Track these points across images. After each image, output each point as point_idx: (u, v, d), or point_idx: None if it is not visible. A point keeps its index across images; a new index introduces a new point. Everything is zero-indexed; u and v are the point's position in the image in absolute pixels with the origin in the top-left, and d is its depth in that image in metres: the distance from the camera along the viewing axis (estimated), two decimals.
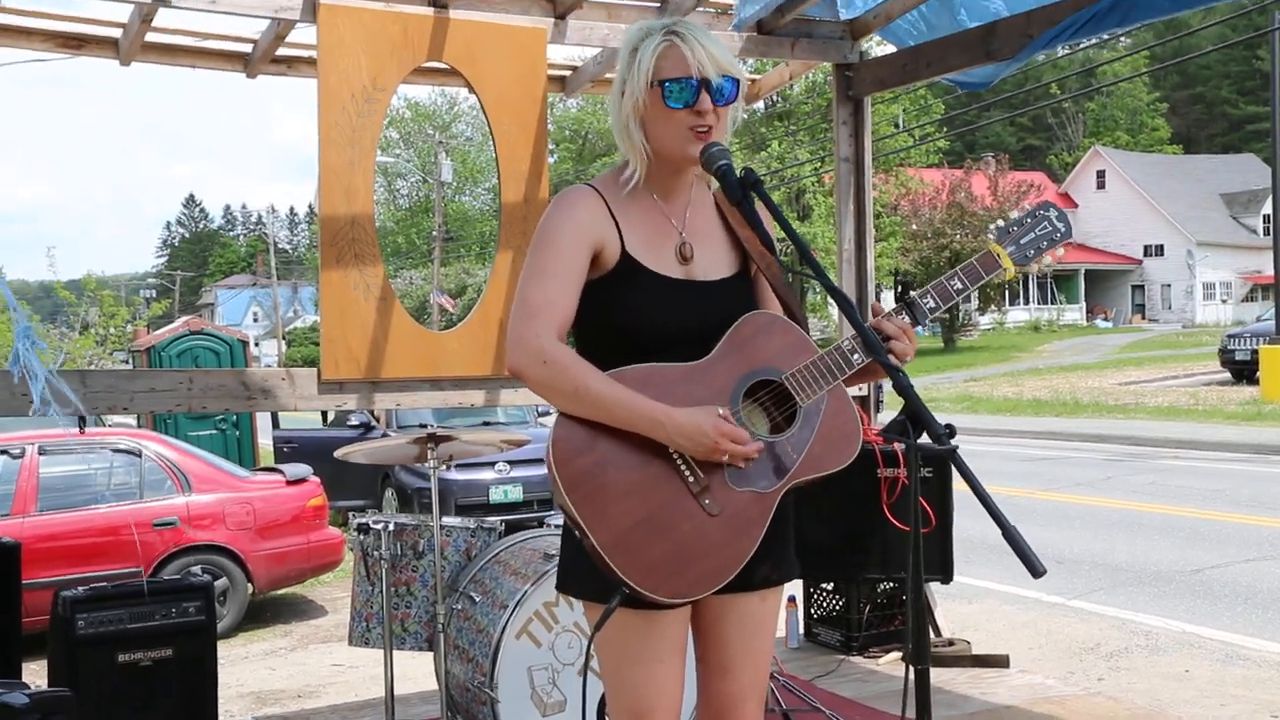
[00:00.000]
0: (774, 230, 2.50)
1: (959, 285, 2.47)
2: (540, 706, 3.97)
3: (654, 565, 2.25)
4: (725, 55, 2.38)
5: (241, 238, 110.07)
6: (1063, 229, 2.56)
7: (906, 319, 2.42)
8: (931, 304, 2.45)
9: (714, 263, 2.48)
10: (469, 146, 56.83)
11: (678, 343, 2.35)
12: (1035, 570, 1.91)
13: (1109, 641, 6.95)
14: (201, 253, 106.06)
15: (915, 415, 2.06)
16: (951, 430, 2.02)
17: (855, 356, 2.35)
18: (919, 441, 2.10)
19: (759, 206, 2.42)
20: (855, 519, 5.36)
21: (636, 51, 2.39)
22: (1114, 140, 66.47)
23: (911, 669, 2.16)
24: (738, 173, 2.35)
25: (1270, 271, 35.07)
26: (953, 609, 7.33)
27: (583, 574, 2.37)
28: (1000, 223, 2.59)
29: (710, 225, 2.51)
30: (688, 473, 2.28)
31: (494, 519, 4.80)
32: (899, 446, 5.38)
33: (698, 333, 2.36)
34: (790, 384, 2.35)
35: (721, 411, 2.26)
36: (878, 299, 2.23)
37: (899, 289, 42.57)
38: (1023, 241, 2.54)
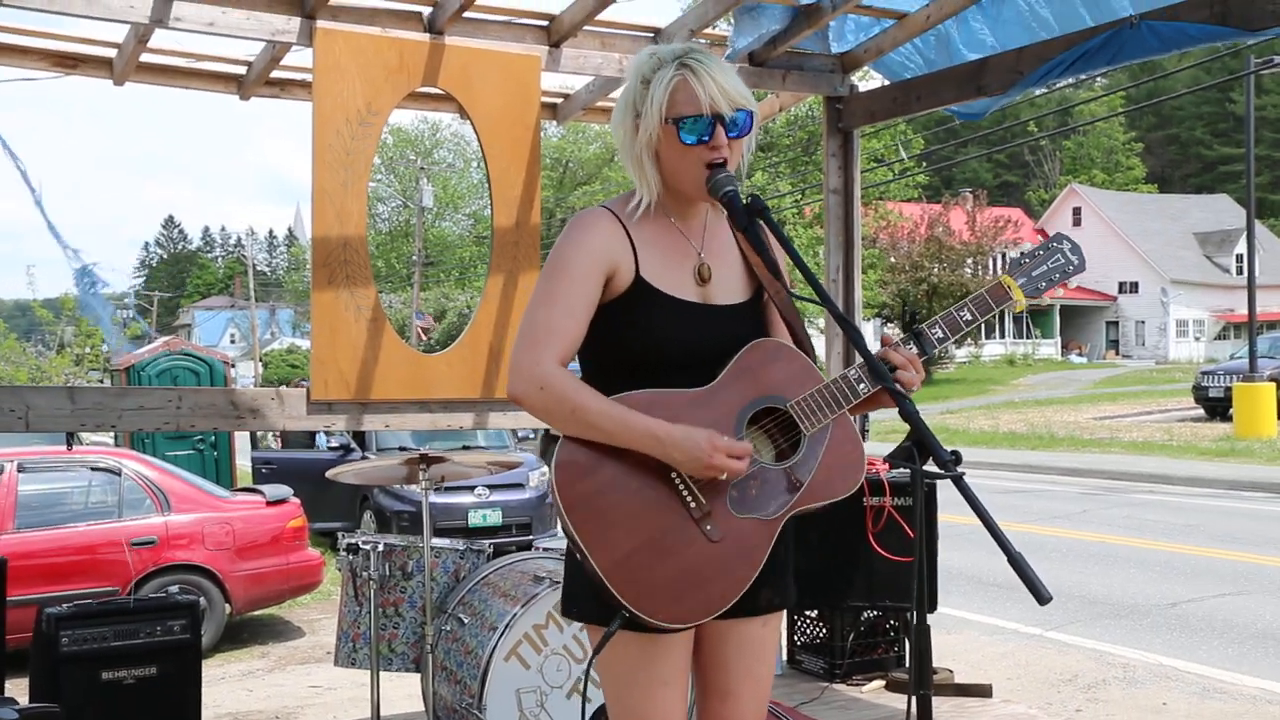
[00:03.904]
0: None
1: (968, 316, 2.49)
2: None
3: (655, 589, 2.27)
4: (737, 86, 2.39)
5: (220, 260, 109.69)
6: (1076, 262, 2.57)
7: (914, 349, 2.43)
8: (940, 334, 2.46)
9: (730, 286, 2.49)
10: (450, 173, 56.86)
11: (689, 366, 2.36)
12: (1041, 597, 1.94)
13: (1086, 673, 6.99)
14: (179, 274, 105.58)
15: (921, 441, 2.09)
16: (958, 457, 2.05)
17: (861, 386, 2.36)
18: (923, 468, 2.13)
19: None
20: (840, 547, 5.41)
21: (649, 84, 2.39)
22: (1090, 179, 67.16)
23: (913, 696, 2.19)
24: (744, 199, 2.39)
25: (1242, 310, 35.46)
26: (933, 639, 7.35)
27: (585, 597, 2.38)
28: (1013, 254, 2.61)
29: (727, 248, 2.52)
30: (690, 499, 2.30)
31: (483, 541, 4.82)
32: (884, 474, 5.45)
33: (709, 357, 2.37)
34: (795, 412, 2.36)
35: (724, 440, 2.26)
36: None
37: (881, 321, 42.81)
38: (1035, 274, 2.54)
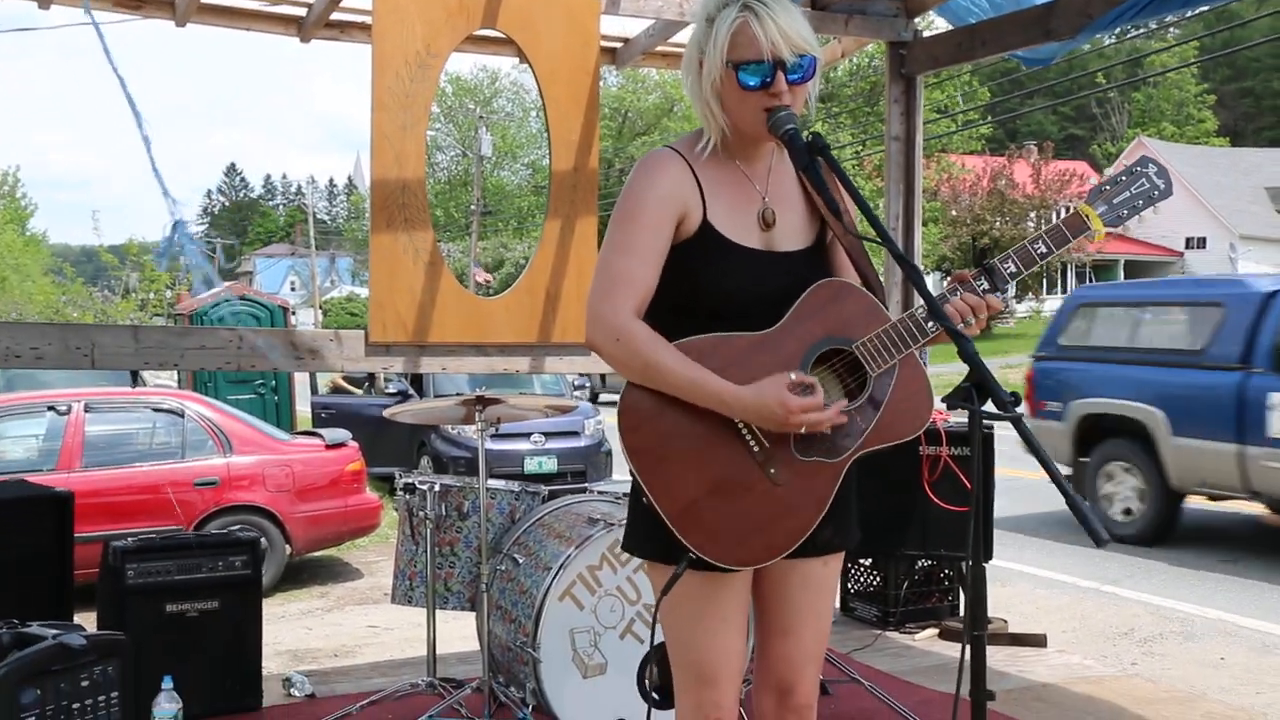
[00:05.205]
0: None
1: (1042, 249, 2.39)
2: (581, 668, 4.01)
3: (719, 533, 2.29)
4: (800, 30, 2.33)
5: (281, 207, 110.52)
6: (1162, 186, 2.42)
7: (984, 284, 2.36)
8: (1012, 269, 2.37)
9: (794, 230, 2.47)
10: (509, 122, 56.77)
11: (753, 312, 2.35)
12: (1098, 538, 1.92)
13: (1143, 627, 6.94)
14: (241, 221, 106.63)
15: (980, 383, 2.05)
16: (1017, 398, 2.01)
17: (929, 324, 2.32)
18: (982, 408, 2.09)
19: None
20: (895, 496, 5.39)
21: (713, 23, 2.36)
22: (1159, 132, 65.66)
23: (966, 638, 2.17)
24: (805, 138, 2.35)
25: None
26: (988, 590, 7.32)
27: (647, 535, 2.40)
28: (1095, 181, 2.48)
29: (791, 191, 2.50)
30: (753, 443, 2.30)
31: (538, 484, 4.85)
32: (940, 424, 5.40)
33: (772, 303, 2.35)
34: (861, 352, 2.34)
35: (794, 376, 2.24)
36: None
37: (941, 275, 42.37)
38: (1116, 201, 2.41)
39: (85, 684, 3.51)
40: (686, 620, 2.44)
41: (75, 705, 3.47)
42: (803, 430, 2.25)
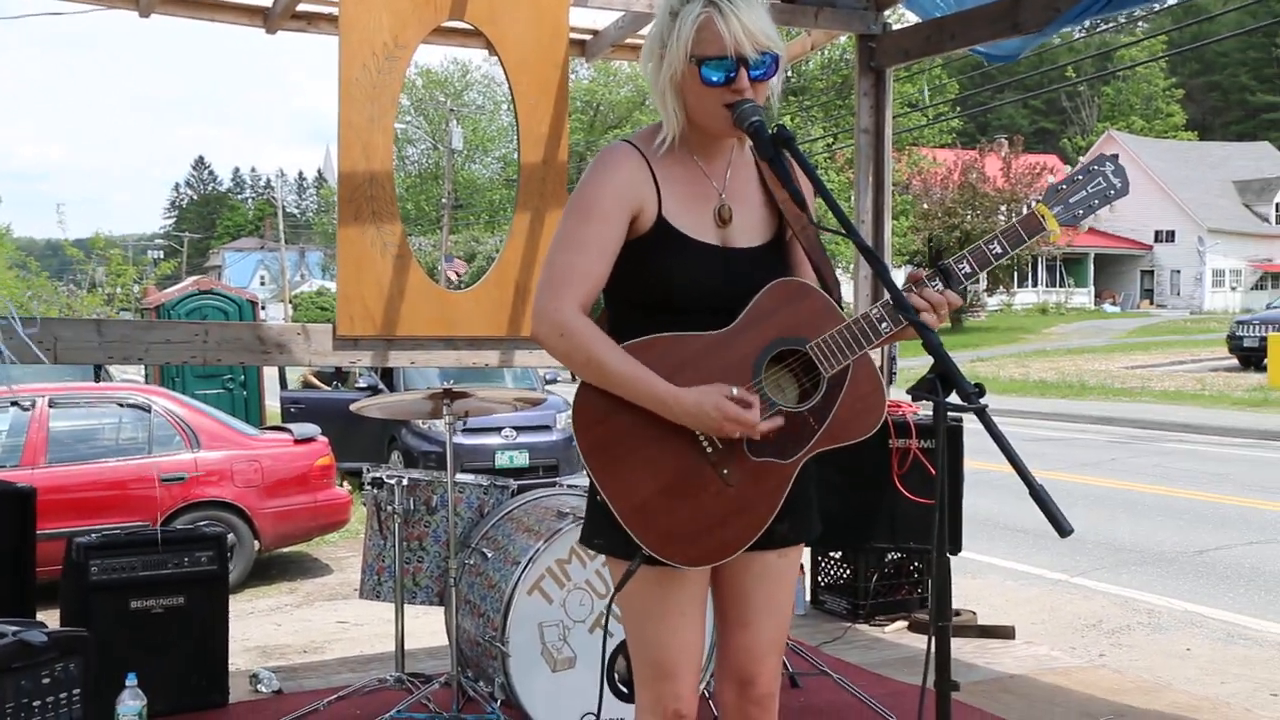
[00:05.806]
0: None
1: (998, 250, 2.37)
2: (550, 662, 4.00)
3: (672, 533, 2.29)
4: (764, 28, 2.32)
5: (250, 201, 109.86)
6: (1119, 185, 2.41)
7: (939, 285, 2.34)
8: (967, 269, 2.36)
9: (751, 227, 2.46)
10: (480, 115, 56.55)
11: (706, 309, 2.34)
12: (1061, 528, 1.91)
13: (1111, 618, 6.98)
14: (209, 215, 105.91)
15: (945, 374, 2.05)
16: (981, 389, 2.01)
17: (883, 325, 2.32)
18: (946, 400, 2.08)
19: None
20: (865, 489, 5.40)
21: (677, 17, 2.34)
22: (1128, 126, 66.16)
23: (931, 629, 2.17)
24: (770, 130, 2.34)
25: None
26: (957, 583, 7.32)
27: (606, 529, 2.38)
28: (1052, 180, 2.47)
29: (750, 188, 2.49)
30: (706, 443, 2.30)
31: (508, 478, 4.83)
32: (910, 417, 5.42)
33: (727, 299, 2.35)
34: (814, 353, 2.33)
35: (735, 392, 2.23)
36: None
37: (912, 269, 42.52)
38: (1072, 200, 2.40)
39: (46, 681, 3.47)
40: (644, 615, 2.44)
41: (36, 703, 3.43)
42: (737, 435, 2.26)
